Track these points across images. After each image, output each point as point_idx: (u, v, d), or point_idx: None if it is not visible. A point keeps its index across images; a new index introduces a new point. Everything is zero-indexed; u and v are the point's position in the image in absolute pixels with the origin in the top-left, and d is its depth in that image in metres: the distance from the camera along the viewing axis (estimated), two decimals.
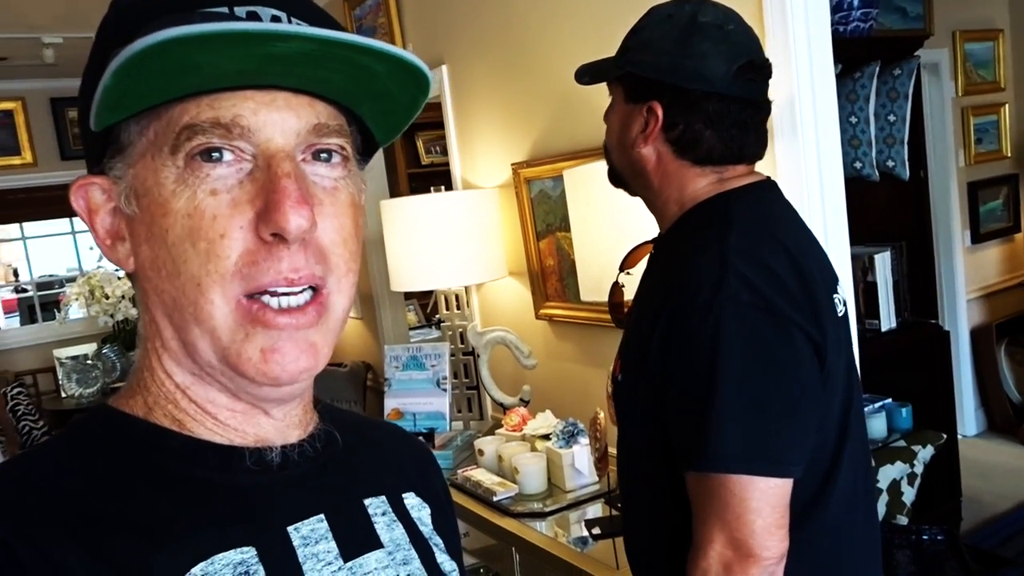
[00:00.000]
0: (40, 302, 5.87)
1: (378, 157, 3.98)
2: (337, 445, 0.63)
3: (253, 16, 0.51)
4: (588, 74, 1.18)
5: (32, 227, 5.73)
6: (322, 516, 0.58)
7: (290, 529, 0.56)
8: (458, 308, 2.77)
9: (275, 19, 0.52)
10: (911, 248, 3.36)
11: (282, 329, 0.52)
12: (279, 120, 0.52)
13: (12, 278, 7.27)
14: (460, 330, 2.74)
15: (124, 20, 0.52)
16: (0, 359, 5.11)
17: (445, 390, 2.50)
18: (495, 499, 2.04)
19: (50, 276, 6.41)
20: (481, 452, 2.30)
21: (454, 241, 2.58)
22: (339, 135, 0.55)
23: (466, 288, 2.83)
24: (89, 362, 4.39)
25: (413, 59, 0.51)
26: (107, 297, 4.52)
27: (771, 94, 1.13)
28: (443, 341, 2.73)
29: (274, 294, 0.52)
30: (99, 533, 0.49)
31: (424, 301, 4.73)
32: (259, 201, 0.51)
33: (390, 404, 2.55)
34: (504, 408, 2.58)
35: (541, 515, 1.96)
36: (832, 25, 2.10)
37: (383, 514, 0.63)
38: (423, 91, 0.54)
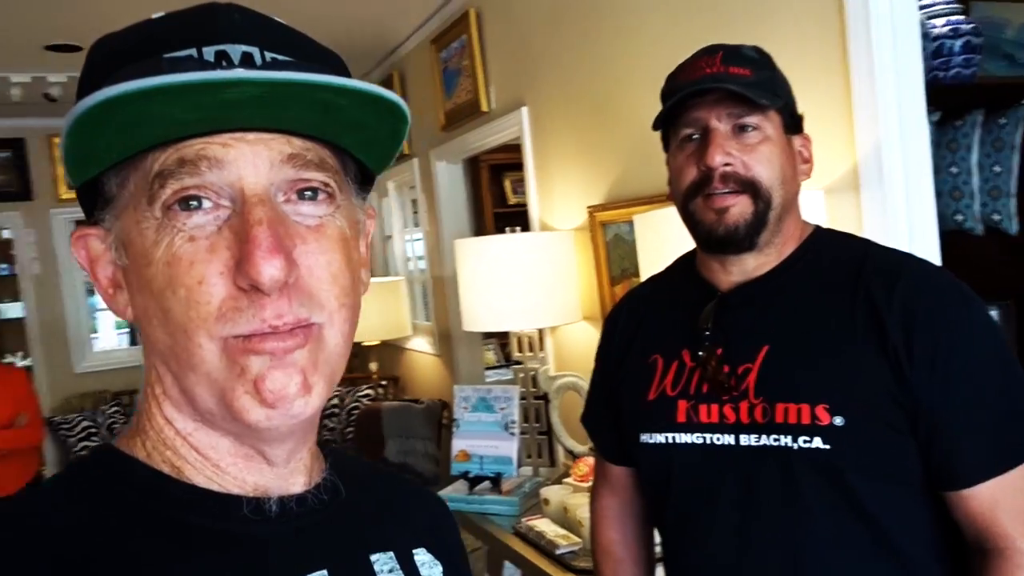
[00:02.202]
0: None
1: (461, 196, 4.03)
2: (341, 496, 0.61)
3: (222, 55, 0.50)
4: (766, 94, 1.07)
5: None
6: (325, 572, 0.56)
7: None
8: (531, 351, 2.73)
9: (246, 56, 0.51)
10: (1021, 307, 3.13)
11: (271, 354, 0.51)
12: (250, 153, 0.51)
13: None
14: (533, 373, 2.69)
15: (93, 70, 0.52)
16: (104, 378, 5.36)
17: (513, 434, 2.45)
18: (557, 552, 1.98)
19: None
20: (547, 501, 2.23)
21: (527, 283, 2.55)
22: (320, 168, 0.54)
23: (540, 331, 2.80)
24: None
25: (375, 90, 0.49)
26: None
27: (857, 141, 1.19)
28: (515, 384, 2.69)
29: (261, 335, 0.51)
30: None
31: (504, 341, 4.72)
32: (236, 248, 0.50)
33: (458, 445, 2.52)
34: (574, 457, 2.51)
35: None
36: (931, 72, 1.99)
37: (390, 571, 0.61)
38: (401, 119, 0.52)
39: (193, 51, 0.50)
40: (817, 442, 1.00)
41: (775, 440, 1.03)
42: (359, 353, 5.43)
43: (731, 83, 1.03)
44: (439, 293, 4.06)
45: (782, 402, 1.03)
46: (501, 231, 2.72)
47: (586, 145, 2.59)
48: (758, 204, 1.06)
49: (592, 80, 2.50)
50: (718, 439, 1.09)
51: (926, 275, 1.06)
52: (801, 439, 1.01)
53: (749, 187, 1.06)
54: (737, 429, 1.07)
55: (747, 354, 1.08)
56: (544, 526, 2.12)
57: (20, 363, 5.73)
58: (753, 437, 1.06)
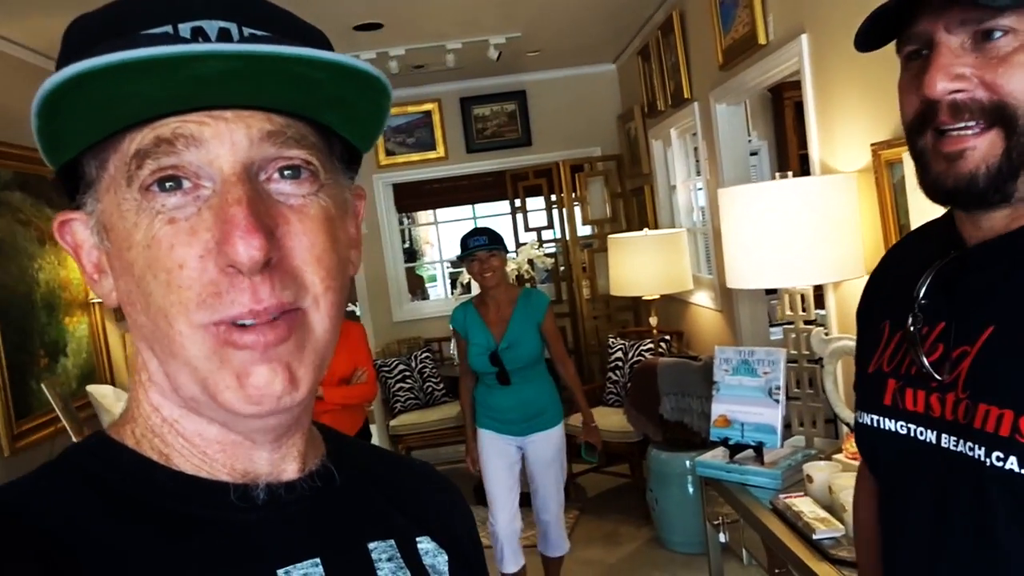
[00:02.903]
0: (452, 279, 6.69)
1: (741, 140, 3.73)
2: (336, 483, 0.59)
3: (198, 31, 0.48)
4: (868, 40, 0.85)
5: (442, 213, 6.55)
6: (317, 560, 0.55)
7: (280, 572, 0.53)
8: (803, 310, 2.46)
9: (223, 32, 0.49)
10: None
11: (251, 348, 0.49)
12: (227, 131, 0.49)
13: (436, 257, 8.43)
14: (805, 335, 2.42)
15: (68, 49, 0.51)
16: (417, 327, 5.94)
17: (777, 401, 2.23)
18: (814, 537, 1.76)
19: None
20: (810, 479, 2.01)
21: (801, 234, 2.28)
22: (301, 146, 0.51)
23: (818, 288, 2.50)
24: None
25: (351, 62, 0.47)
26: None
27: None
28: (783, 346, 2.44)
29: (242, 326, 0.49)
30: (73, 567, 0.48)
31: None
32: (216, 229, 0.48)
33: (717, 410, 2.36)
34: (850, 429, 2.22)
35: None
36: None
37: (389, 559, 0.59)
38: (383, 93, 0.50)
39: (169, 28, 0.49)
40: (1012, 463, 0.75)
41: (969, 449, 0.79)
42: (637, 307, 5.38)
43: None
44: (720, 245, 3.83)
45: (985, 402, 0.78)
46: (807, 175, 2.47)
47: (872, 72, 2.21)
48: (1013, 140, 0.76)
49: None
50: (920, 433, 0.86)
51: None
52: (995, 454, 0.76)
53: (998, 116, 0.76)
54: (940, 425, 0.84)
55: (968, 333, 0.82)
56: (804, 506, 1.90)
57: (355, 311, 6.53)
58: (952, 440, 0.82)
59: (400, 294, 6.01)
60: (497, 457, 3.31)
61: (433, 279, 8.09)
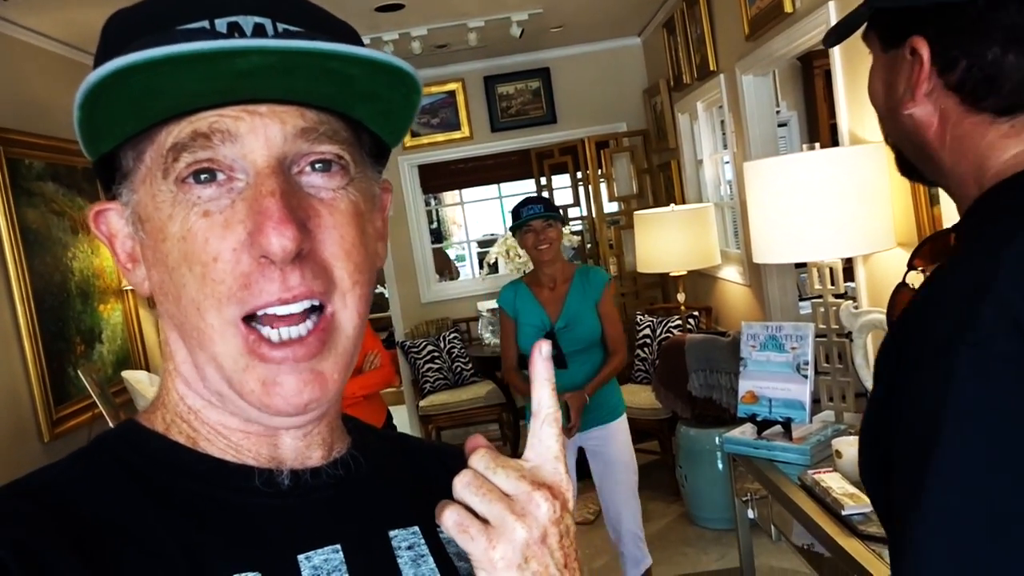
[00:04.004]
0: (479, 258, 6.69)
1: (768, 112, 3.66)
2: (361, 471, 0.60)
3: (234, 27, 0.50)
4: (836, 32, 0.88)
5: (468, 193, 6.55)
6: (338, 546, 0.56)
7: (300, 557, 0.54)
8: (832, 283, 2.42)
9: (258, 27, 0.50)
10: None
11: (280, 363, 0.51)
12: (261, 126, 0.50)
13: (464, 237, 8.44)
14: (835, 308, 2.38)
15: (107, 44, 0.53)
16: (444, 307, 5.96)
17: (806, 376, 2.20)
18: (843, 512, 1.75)
19: (491, 235, 7.28)
20: (839, 454, 1.98)
21: (829, 206, 2.24)
22: (333, 141, 0.53)
23: (847, 261, 2.46)
24: None
25: (385, 58, 0.48)
26: (519, 256, 4.94)
27: None
28: (811, 320, 2.41)
29: (272, 320, 0.51)
30: (104, 551, 0.49)
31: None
32: (249, 221, 0.50)
33: (745, 386, 2.34)
34: None
35: None
36: None
37: (409, 547, 0.59)
38: (414, 88, 0.51)
39: (206, 23, 0.50)
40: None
41: None
42: (665, 284, 5.33)
43: None
44: (747, 219, 3.78)
45: None
46: (837, 145, 2.42)
47: None
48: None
49: None
50: None
51: None
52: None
53: None
54: None
55: None
56: (832, 481, 1.88)
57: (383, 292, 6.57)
58: None
59: (428, 275, 6.03)
60: None
61: (462, 259, 8.13)
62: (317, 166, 0.52)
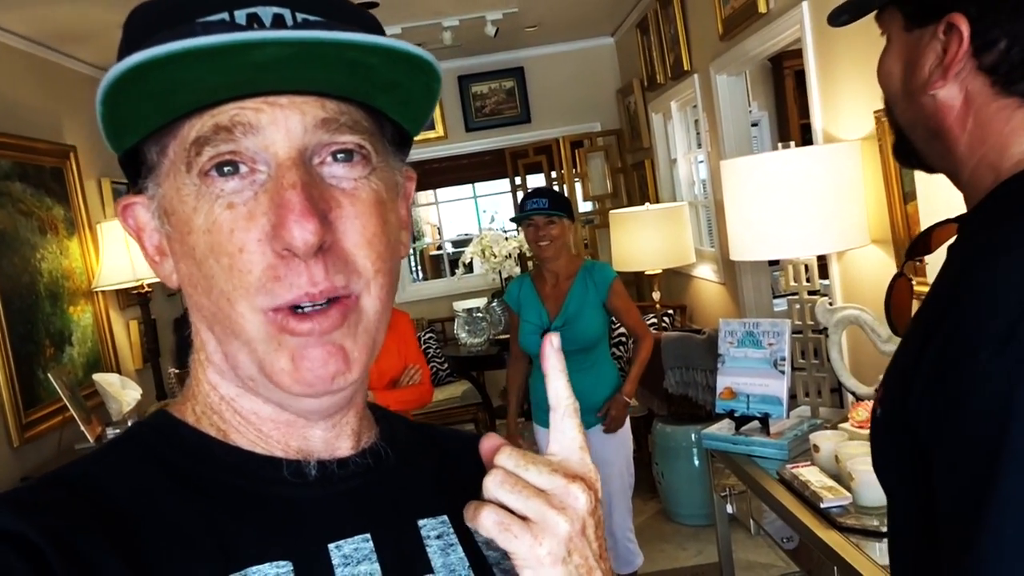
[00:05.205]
0: (451, 259, 6.69)
1: (742, 112, 3.70)
2: (389, 461, 0.60)
3: (253, 18, 0.50)
4: (848, 11, 0.87)
5: (442, 193, 6.54)
6: (368, 535, 0.56)
7: (331, 547, 0.55)
8: (807, 280, 2.45)
9: (277, 18, 0.50)
10: None
11: (307, 335, 0.51)
12: (282, 118, 0.50)
13: (438, 236, 8.42)
14: (810, 305, 2.42)
15: (128, 38, 0.53)
16: (417, 307, 5.94)
17: (783, 372, 2.23)
18: (821, 506, 1.77)
19: (465, 235, 7.27)
20: (817, 448, 2.01)
21: (804, 204, 2.27)
22: (354, 131, 0.53)
23: (821, 258, 2.49)
24: (479, 315, 4.86)
25: (403, 46, 0.47)
26: (495, 256, 4.94)
27: None
28: (787, 317, 2.44)
29: (299, 313, 0.52)
30: (137, 540, 0.50)
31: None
32: (272, 213, 0.50)
33: (723, 382, 2.36)
34: (856, 398, 2.23)
35: (877, 535, 1.64)
36: None
37: (438, 536, 0.59)
38: (433, 77, 0.51)
39: (225, 15, 0.50)
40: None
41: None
42: (640, 282, 5.37)
43: None
44: (721, 218, 3.82)
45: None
46: (809, 144, 2.44)
47: (874, 37, 2.18)
48: (891, 116, 0.89)
49: None
50: None
51: None
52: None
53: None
54: None
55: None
56: (810, 475, 1.91)
57: None
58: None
59: (403, 275, 6.01)
60: None
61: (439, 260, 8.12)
62: (339, 156, 0.53)
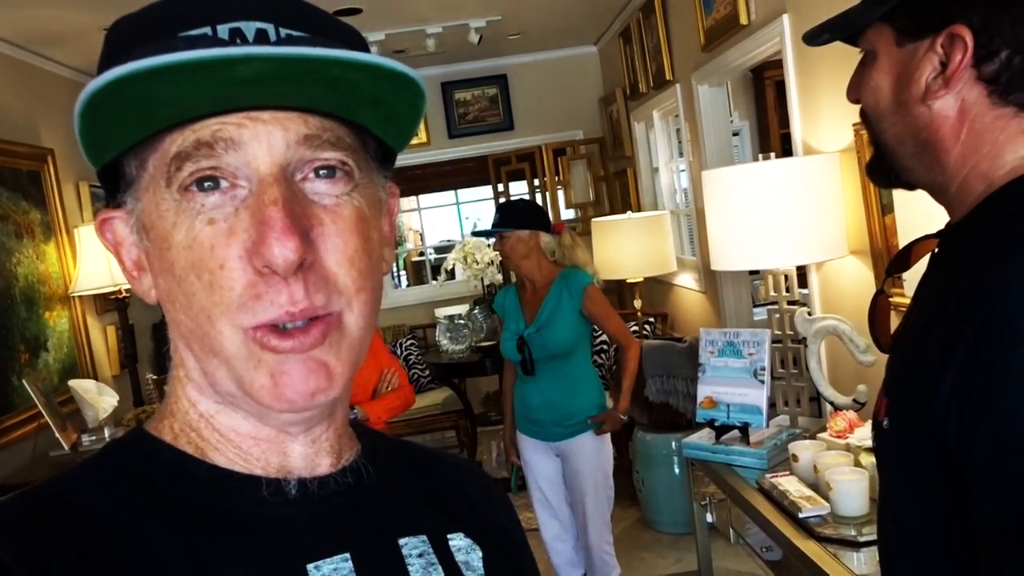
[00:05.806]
0: (434, 265, 6.69)
1: (723, 121, 3.73)
2: (370, 479, 0.59)
3: (236, 33, 0.49)
4: (831, 29, 0.87)
5: (425, 199, 6.53)
6: (347, 555, 0.55)
7: (310, 567, 0.54)
8: (787, 290, 2.47)
9: (260, 33, 0.50)
10: None
11: (288, 352, 0.51)
12: (264, 133, 0.50)
13: (419, 242, 8.40)
14: (789, 315, 2.43)
15: (109, 51, 0.52)
16: (400, 314, 5.92)
17: (763, 382, 2.24)
18: (800, 515, 1.78)
19: (447, 241, 7.26)
20: (795, 458, 2.02)
21: (784, 214, 2.29)
22: (336, 147, 0.52)
23: (800, 268, 2.51)
24: (460, 321, 4.85)
25: (388, 63, 0.47)
26: (477, 263, 4.92)
27: None
28: (767, 327, 2.45)
29: (280, 331, 0.51)
30: (112, 559, 0.49)
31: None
32: (253, 230, 0.49)
33: (703, 391, 2.37)
34: (835, 408, 2.24)
35: (854, 544, 1.65)
36: None
37: (420, 555, 0.59)
38: (417, 94, 0.50)
39: (208, 29, 0.49)
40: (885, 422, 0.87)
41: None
42: (622, 290, 5.39)
43: None
44: (703, 227, 3.84)
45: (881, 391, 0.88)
46: (789, 155, 2.46)
47: (854, 50, 2.22)
48: (871, 132, 0.91)
49: None
50: None
51: None
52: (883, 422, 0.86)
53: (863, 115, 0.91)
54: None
55: (904, 323, 0.89)
56: (789, 485, 1.92)
57: None
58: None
59: (385, 281, 5.98)
60: (535, 467, 2.96)
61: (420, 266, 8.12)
62: (321, 172, 0.52)
